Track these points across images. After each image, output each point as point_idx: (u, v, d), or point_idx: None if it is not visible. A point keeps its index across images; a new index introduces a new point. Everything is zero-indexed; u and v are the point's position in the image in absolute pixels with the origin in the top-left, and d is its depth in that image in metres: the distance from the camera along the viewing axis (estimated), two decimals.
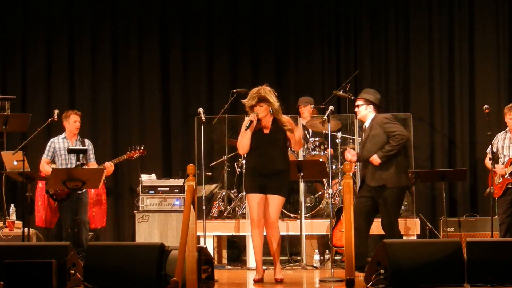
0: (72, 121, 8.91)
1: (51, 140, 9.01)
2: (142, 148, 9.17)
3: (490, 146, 8.59)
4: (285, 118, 7.21)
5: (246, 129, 7.05)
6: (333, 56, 11.00)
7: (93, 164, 8.91)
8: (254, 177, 7.17)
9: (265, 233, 7.28)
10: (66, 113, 9.02)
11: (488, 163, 8.64)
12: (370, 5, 11.01)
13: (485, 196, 8.89)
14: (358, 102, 7.95)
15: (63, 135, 9.00)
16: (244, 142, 7.13)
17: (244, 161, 9.55)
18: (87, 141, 9.03)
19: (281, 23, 11.13)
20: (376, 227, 9.15)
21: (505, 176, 8.44)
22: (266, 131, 7.14)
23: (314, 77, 11.03)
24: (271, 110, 7.12)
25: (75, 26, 11.19)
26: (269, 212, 7.13)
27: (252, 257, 8.89)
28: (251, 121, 7.07)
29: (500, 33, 10.62)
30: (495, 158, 8.52)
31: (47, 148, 8.96)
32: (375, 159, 7.68)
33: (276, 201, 7.13)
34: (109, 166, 8.76)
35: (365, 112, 7.92)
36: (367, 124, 7.90)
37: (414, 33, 10.86)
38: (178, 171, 10.46)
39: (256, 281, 7.19)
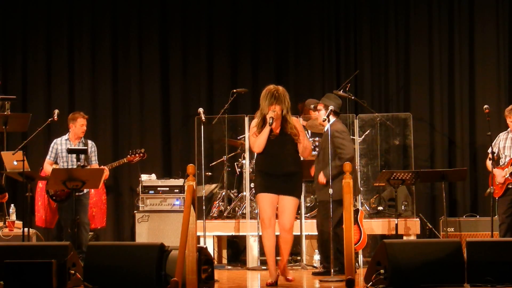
0: (79, 124, 8.91)
1: (54, 141, 9.01)
2: (142, 152, 9.18)
3: (490, 147, 8.59)
4: (294, 121, 7.13)
5: (270, 125, 6.91)
6: (333, 56, 11.00)
7: (94, 167, 8.90)
8: (265, 177, 7.05)
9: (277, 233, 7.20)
10: (73, 115, 9.00)
11: (488, 164, 8.64)
12: (370, 5, 11.01)
13: (485, 196, 8.89)
14: (318, 107, 7.96)
15: (66, 136, 8.99)
16: (262, 138, 6.98)
17: (243, 161, 9.56)
18: (90, 142, 9.01)
19: (281, 23, 11.13)
20: (377, 227, 9.18)
21: (506, 176, 8.43)
22: (276, 133, 7.04)
23: (314, 77, 11.03)
24: (282, 112, 7.03)
25: (75, 26, 11.19)
26: (284, 216, 7.03)
27: (252, 257, 8.90)
28: (273, 118, 6.92)
29: (500, 33, 10.63)
30: (496, 159, 8.52)
31: (50, 149, 8.97)
32: (321, 179, 7.65)
33: (290, 203, 7.02)
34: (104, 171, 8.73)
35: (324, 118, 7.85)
36: (325, 129, 7.85)
37: (414, 33, 10.86)
38: (178, 171, 10.46)
39: (269, 285, 7.02)
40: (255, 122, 7.10)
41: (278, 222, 7.15)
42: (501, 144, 8.61)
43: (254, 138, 7.06)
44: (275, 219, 7.12)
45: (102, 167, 8.82)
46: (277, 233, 7.19)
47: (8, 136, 9.67)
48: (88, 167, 8.81)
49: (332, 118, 7.87)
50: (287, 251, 7.18)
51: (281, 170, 7.00)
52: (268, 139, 7.00)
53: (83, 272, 6.55)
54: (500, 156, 8.57)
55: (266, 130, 6.97)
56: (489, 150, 8.60)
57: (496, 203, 8.63)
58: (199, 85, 11.13)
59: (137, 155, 9.21)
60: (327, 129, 7.75)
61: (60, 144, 8.94)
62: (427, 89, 10.76)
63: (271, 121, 6.91)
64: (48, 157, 8.97)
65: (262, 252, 8.96)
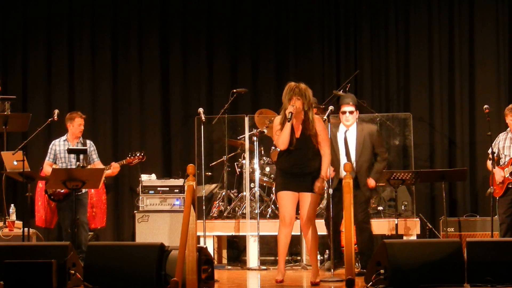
0: (77, 124, 8.91)
1: (52, 142, 9.01)
2: (141, 154, 9.18)
3: (491, 147, 8.59)
4: (316, 120, 7.02)
5: (288, 121, 6.85)
6: (333, 56, 11.00)
7: (98, 164, 8.90)
8: (285, 176, 7.03)
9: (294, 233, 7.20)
10: (71, 115, 9.00)
11: (489, 164, 8.64)
12: (370, 5, 11.01)
13: (486, 196, 8.89)
14: (351, 108, 7.89)
15: (64, 137, 9.00)
16: (284, 135, 6.90)
17: (243, 161, 9.57)
18: (88, 142, 9.01)
19: (281, 23, 11.13)
20: (377, 227, 9.17)
21: (506, 176, 8.43)
22: (297, 134, 6.98)
23: (314, 77, 11.03)
24: (304, 108, 6.95)
25: (75, 26, 11.20)
26: (304, 210, 6.99)
27: (252, 257, 8.89)
28: (291, 113, 6.84)
29: (500, 33, 10.63)
30: (496, 159, 8.52)
31: (49, 150, 8.97)
32: (372, 183, 7.88)
33: (309, 198, 6.98)
34: (117, 167, 8.84)
35: (355, 119, 7.94)
36: (353, 129, 7.87)
37: (414, 33, 10.86)
38: (178, 171, 10.46)
39: (278, 282, 7.01)
40: (278, 119, 7.03)
41: (300, 218, 7.13)
42: (501, 144, 8.61)
43: (277, 136, 7.01)
44: (295, 218, 7.11)
45: (113, 163, 8.83)
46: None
47: (8, 136, 9.66)
48: (89, 166, 8.81)
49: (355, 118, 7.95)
50: (315, 254, 7.14)
51: (303, 170, 6.98)
52: (291, 136, 6.93)
53: (83, 272, 6.55)
54: (500, 156, 8.57)
55: (288, 126, 6.89)
56: (490, 151, 8.60)
57: (496, 203, 8.63)
58: (199, 85, 11.13)
59: (136, 157, 9.21)
60: (355, 129, 7.86)
61: (58, 145, 8.94)
62: (427, 89, 10.76)
63: (290, 116, 6.84)
64: (47, 158, 8.97)
65: (262, 252, 8.99)
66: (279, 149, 7.11)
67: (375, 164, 7.96)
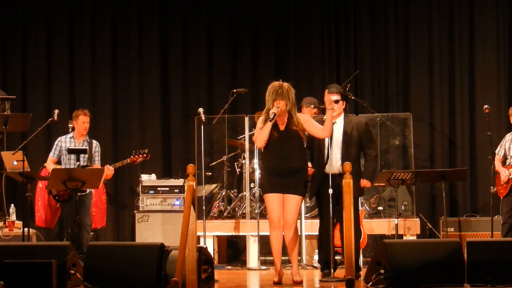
0: (81, 122, 8.89)
1: (59, 138, 8.99)
2: (145, 152, 9.17)
3: (498, 147, 8.57)
4: (300, 117, 7.08)
5: (270, 121, 6.90)
6: (333, 56, 11.00)
7: (97, 167, 8.87)
8: (271, 177, 7.05)
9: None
10: (76, 112, 9.00)
11: (496, 164, 8.58)
12: (370, 4, 11.01)
13: (493, 193, 8.84)
14: (336, 97, 7.52)
15: (71, 134, 8.98)
16: (264, 133, 6.96)
17: (243, 161, 9.57)
18: (95, 142, 8.97)
19: (281, 22, 11.13)
20: (377, 227, 9.18)
21: (510, 177, 8.40)
22: (282, 128, 7.02)
23: (314, 77, 11.03)
24: (287, 108, 7.00)
25: (75, 26, 11.20)
26: (287, 212, 7.01)
27: (252, 257, 8.90)
28: (275, 114, 6.91)
29: (500, 33, 10.63)
30: (502, 160, 8.52)
31: (54, 146, 8.95)
32: (365, 184, 7.53)
33: (293, 201, 7.01)
34: (107, 170, 8.67)
35: (341, 109, 7.61)
36: (340, 121, 7.56)
37: (414, 33, 10.86)
38: (178, 171, 10.46)
39: (275, 283, 7.03)
40: (261, 119, 7.08)
41: (283, 219, 7.10)
42: (507, 145, 8.57)
43: (257, 134, 7.07)
44: (283, 220, 7.11)
45: (106, 166, 8.78)
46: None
47: (8, 136, 9.66)
48: (91, 167, 8.79)
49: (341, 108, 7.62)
50: (296, 252, 7.13)
51: (286, 166, 6.98)
52: (273, 135, 6.98)
53: (83, 272, 6.55)
54: (507, 156, 8.55)
55: (268, 125, 6.95)
56: (497, 151, 8.57)
57: (500, 203, 8.61)
58: (199, 85, 11.13)
59: (140, 155, 9.19)
60: (343, 122, 7.57)
61: (64, 141, 8.92)
62: (427, 89, 10.76)
63: (272, 117, 6.90)
64: (51, 154, 8.95)
65: (262, 252, 8.99)
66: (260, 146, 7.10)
67: (365, 165, 7.65)
